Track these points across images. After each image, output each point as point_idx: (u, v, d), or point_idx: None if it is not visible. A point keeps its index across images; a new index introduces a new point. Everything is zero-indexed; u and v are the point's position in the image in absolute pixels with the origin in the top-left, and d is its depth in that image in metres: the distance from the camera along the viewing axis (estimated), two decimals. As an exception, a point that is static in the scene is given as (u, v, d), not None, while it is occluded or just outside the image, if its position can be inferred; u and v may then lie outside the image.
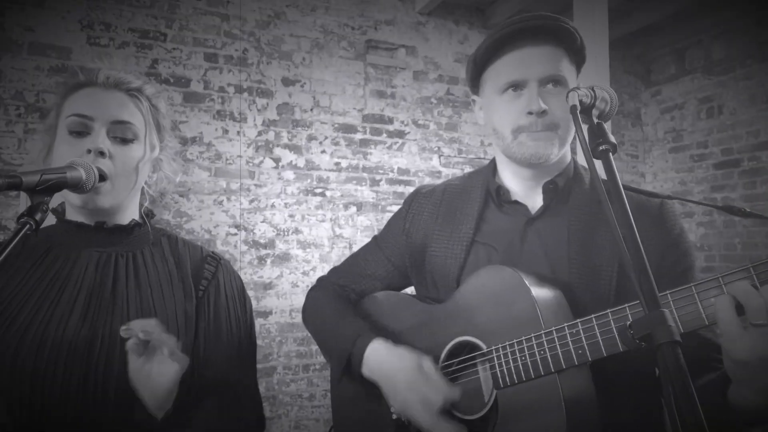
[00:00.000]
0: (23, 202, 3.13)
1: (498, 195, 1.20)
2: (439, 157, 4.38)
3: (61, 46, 3.37)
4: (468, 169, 4.43)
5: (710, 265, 4.55)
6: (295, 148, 3.95)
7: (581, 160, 1.24)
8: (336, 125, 4.07)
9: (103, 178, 1.05)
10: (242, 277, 1.26)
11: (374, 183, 4.16)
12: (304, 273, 3.93)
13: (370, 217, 4.13)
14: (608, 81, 3.56)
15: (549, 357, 0.95)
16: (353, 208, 4.09)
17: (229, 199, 3.75)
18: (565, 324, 0.94)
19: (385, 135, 4.22)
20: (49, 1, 3.35)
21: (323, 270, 3.97)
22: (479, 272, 1.10)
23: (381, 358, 1.13)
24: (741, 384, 0.83)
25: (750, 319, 0.76)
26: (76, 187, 0.96)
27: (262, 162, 3.85)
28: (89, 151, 1.04)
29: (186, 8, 3.69)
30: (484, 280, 1.08)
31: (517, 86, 1.10)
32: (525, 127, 1.09)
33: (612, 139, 0.77)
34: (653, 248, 1.04)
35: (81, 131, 1.06)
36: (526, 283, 1.00)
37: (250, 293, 1.46)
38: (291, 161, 3.93)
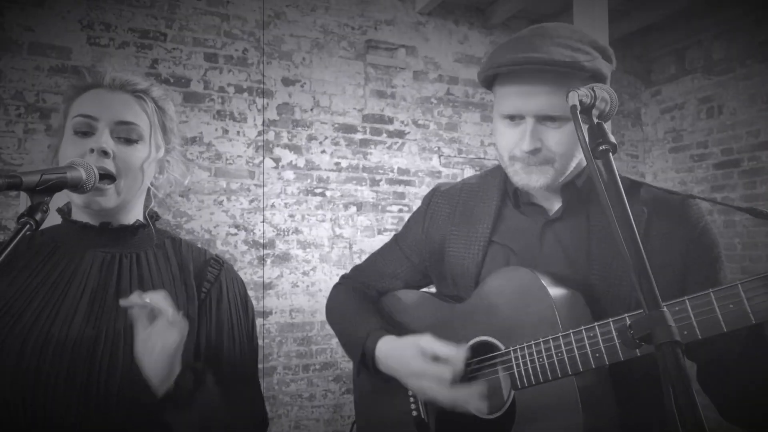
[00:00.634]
0: (23, 202, 3.13)
1: (515, 196, 1.19)
2: (439, 157, 4.38)
3: (61, 46, 3.37)
4: (468, 169, 4.43)
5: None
6: (295, 148, 3.95)
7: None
8: (336, 125, 4.07)
9: (111, 178, 1.05)
10: (242, 277, 1.27)
11: (374, 183, 4.16)
12: (304, 273, 3.93)
13: (370, 217, 4.13)
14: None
15: (566, 359, 0.95)
16: (353, 208, 4.09)
17: (229, 199, 3.75)
18: (583, 327, 0.94)
19: (385, 135, 4.22)
20: (49, 1, 3.35)
21: (323, 270, 3.97)
22: (497, 273, 1.11)
23: (388, 352, 1.15)
24: None
25: None
26: (77, 187, 0.96)
27: (262, 162, 3.85)
28: (92, 151, 1.04)
29: (186, 8, 3.69)
30: (503, 281, 1.09)
31: (515, 117, 1.09)
32: (519, 158, 1.09)
33: (612, 139, 0.76)
34: (677, 243, 1.04)
35: (86, 131, 1.07)
36: (544, 284, 1.00)
37: (250, 293, 1.47)
38: (291, 161, 3.93)
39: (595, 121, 0.81)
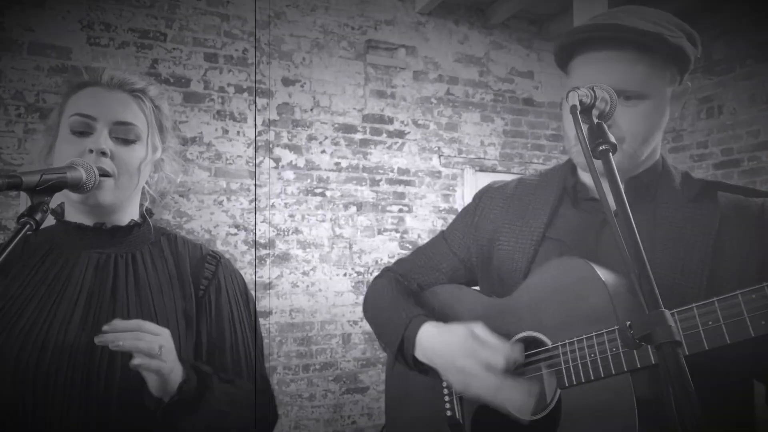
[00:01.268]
0: (23, 202, 3.13)
1: (575, 191, 1.13)
2: (439, 157, 4.38)
3: (61, 46, 3.37)
4: (468, 169, 4.43)
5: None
6: (295, 148, 3.95)
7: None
8: (336, 125, 4.07)
9: (106, 174, 1.04)
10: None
11: (374, 183, 4.16)
12: (304, 273, 3.92)
13: (370, 217, 4.13)
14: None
15: (622, 354, 0.86)
16: (353, 208, 4.09)
17: (229, 199, 3.75)
18: None
19: (385, 135, 4.22)
20: (49, 1, 3.35)
21: (323, 270, 3.97)
22: (547, 264, 1.03)
23: (433, 337, 1.09)
24: None
25: None
26: (77, 187, 0.96)
27: (262, 162, 3.85)
28: (91, 151, 1.04)
29: (186, 8, 3.69)
30: (553, 272, 1.01)
31: None
32: None
33: (612, 139, 0.76)
34: (756, 251, 0.97)
35: (83, 131, 1.06)
36: (599, 274, 0.92)
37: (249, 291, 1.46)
38: (291, 161, 3.93)
39: (595, 120, 0.80)
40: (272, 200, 3.87)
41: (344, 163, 4.08)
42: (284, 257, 3.87)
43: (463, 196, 4.38)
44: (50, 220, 1.11)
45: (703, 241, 0.99)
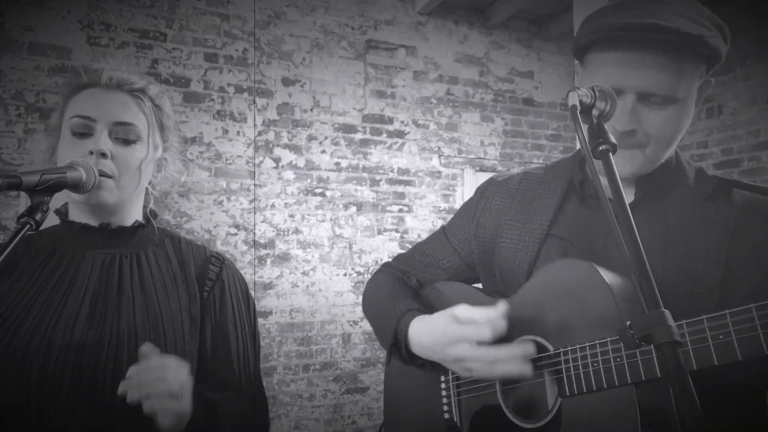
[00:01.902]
0: (23, 202, 3.13)
1: (582, 187, 1.08)
2: (439, 157, 4.38)
3: (61, 46, 3.37)
4: (468, 169, 4.43)
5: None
6: (295, 148, 3.95)
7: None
8: (336, 125, 4.07)
9: (107, 175, 1.05)
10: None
11: (374, 183, 4.16)
12: (304, 273, 3.92)
13: (370, 217, 4.13)
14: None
15: (626, 365, 0.83)
16: (353, 208, 4.09)
17: (229, 199, 3.75)
18: None
19: (385, 135, 4.22)
20: (49, 1, 3.35)
21: (323, 270, 3.97)
22: (550, 265, 0.99)
23: (422, 330, 1.06)
24: None
25: None
26: (77, 187, 0.96)
27: (262, 162, 3.85)
28: (91, 153, 1.04)
29: (186, 8, 3.69)
30: (555, 273, 0.97)
31: None
32: None
33: (612, 139, 0.75)
34: None
35: (84, 132, 1.06)
36: (605, 278, 0.87)
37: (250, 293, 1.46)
38: (291, 161, 3.93)
39: (595, 120, 0.80)
40: (272, 200, 3.87)
41: (344, 163, 4.08)
42: (284, 257, 3.87)
43: (463, 196, 4.38)
44: (55, 220, 1.12)
45: (717, 245, 0.94)
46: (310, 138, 3.99)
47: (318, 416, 3.89)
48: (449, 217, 4.51)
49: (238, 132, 3.79)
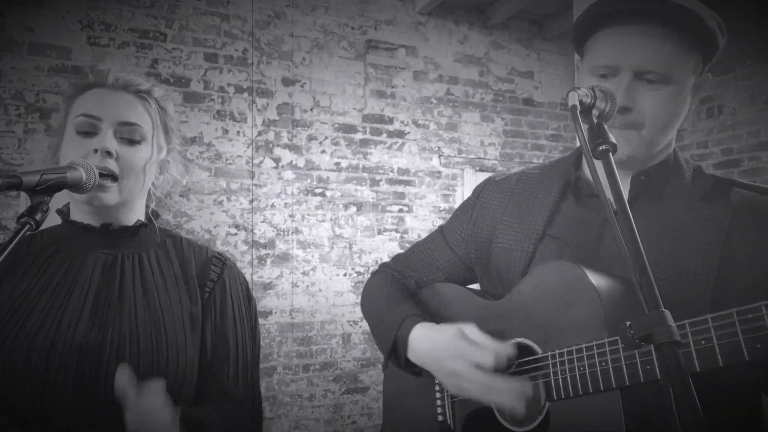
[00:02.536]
0: (23, 202, 3.13)
1: (577, 186, 1.08)
2: (439, 157, 4.38)
3: (61, 46, 3.37)
4: (468, 169, 4.43)
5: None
6: (295, 148, 3.95)
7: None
8: (336, 125, 4.07)
9: (114, 178, 1.05)
10: (242, 277, 1.26)
11: (374, 183, 4.16)
12: (304, 273, 3.92)
13: (370, 217, 4.13)
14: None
15: (611, 370, 0.83)
16: (353, 208, 4.09)
17: (229, 199, 3.75)
18: None
19: (385, 135, 4.22)
20: (49, 1, 3.35)
21: (323, 270, 3.97)
22: (540, 268, 1.00)
23: (423, 339, 1.06)
24: None
25: None
26: (77, 187, 0.96)
27: (262, 162, 3.85)
28: (96, 151, 1.04)
29: (186, 8, 3.69)
30: (545, 276, 0.97)
31: (607, 72, 0.97)
32: None
33: (612, 139, 0.75)
34: (766, 253, 0.92)
35: (88, 131, 1.06)
36: (592, 281, 0.88)
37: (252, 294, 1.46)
38: (291, 161, 3.93)
39: (595, 120, 0.80)
40: (272, 200, 3.87)
41: (344, 163, 4.08)
42: (284, 257, 3.87)
43: (463, 196, 4.37)
44: (56, 220, 1.12)
45: (712, 244, 0.94)
46: (310, 138, 3.99)
47: (318, 416, 3.89)
48: (449, 217, 4.47)
49: (238, 132, 3.79)
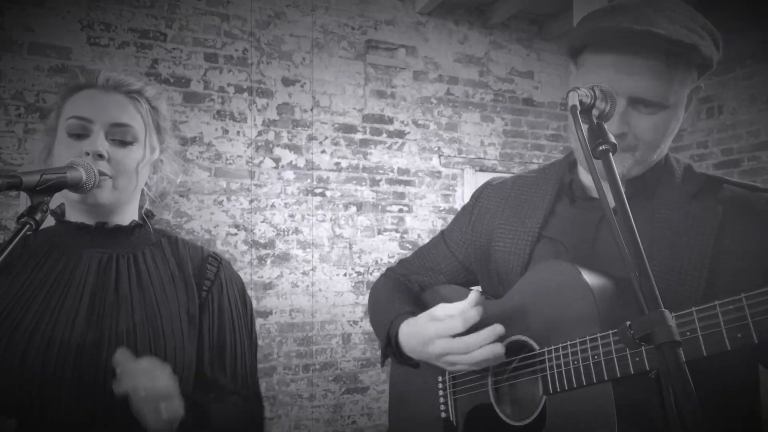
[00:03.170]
0: (23, 202, 3.13)
1: (571, 189, 1.11)
2: (439, 157, 4.38)
3: (61, 46, 3.37)
4: (468, 169, 4.43)
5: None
6: (295, 148, 3.95)
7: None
8: (336, 125, 4.07)
9: (106, 174, 1.05)
10: (242, 277, 1.26)
11: (374, 183, 4.16)
12: (304, 273, 3.92)
13: (370, 217, 4.13)
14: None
15: (603, 363, 0.86)
16: (353, 208, 4.09)
17: (229, 199, 3.75)
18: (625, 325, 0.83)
19: (385, 135, 4.22)
20: (49, 1, 3.35)
21: (323, 270, 3.97)
22: (536, 267, 1.04)
23: (409, 334, 1.12)
24: None
25: None
26: (77, 187, 0.96)
27: (262, 162, 3.85)
28: (87, 154, 1.04)
29: (186, 8, 3.69)
30: (541, 275, 1.01)
31: None
32: None
33: (612, 139, 0.75)
34: (757, 248, 0.94)
35: (80, 133, 1.06)
36: (586, 279, 0.91)
37: (250, 293, 1.47)
38: (291, 161, 3.93)
39: (595, 121, 0.80)
40: (272, 200, 3.87)
41: (344, 163, 4.08)
42: (284, 257, 3.87)
43: (463, 196, 4.38)
44: (50, 221, 1.12)
45: (703, 241, 0.96)
46: (310, 138, 3.99)
47: (318, 416, 3.89)
48: (449, 217, 4.52)
49: (238, 132, 3.79)
